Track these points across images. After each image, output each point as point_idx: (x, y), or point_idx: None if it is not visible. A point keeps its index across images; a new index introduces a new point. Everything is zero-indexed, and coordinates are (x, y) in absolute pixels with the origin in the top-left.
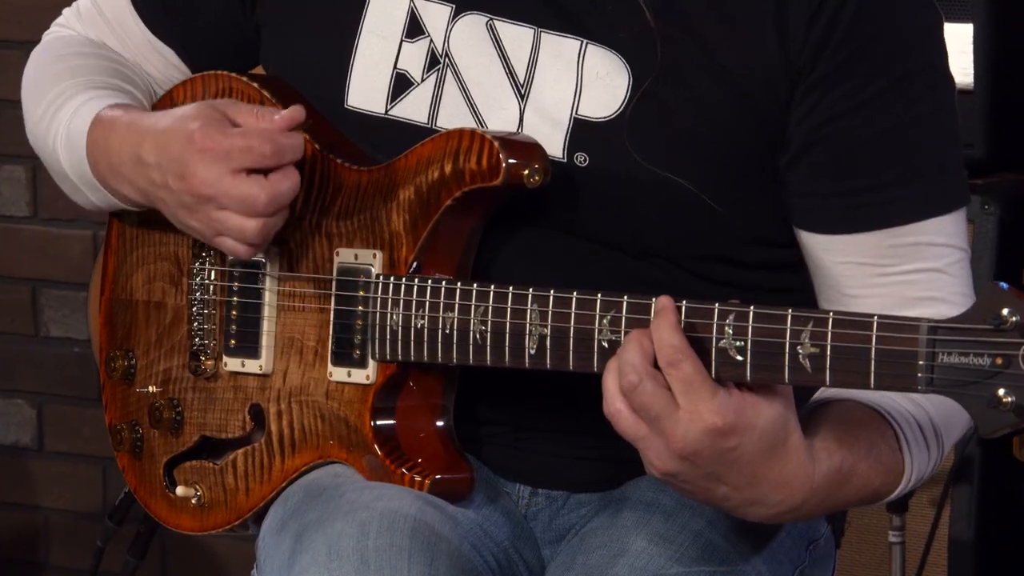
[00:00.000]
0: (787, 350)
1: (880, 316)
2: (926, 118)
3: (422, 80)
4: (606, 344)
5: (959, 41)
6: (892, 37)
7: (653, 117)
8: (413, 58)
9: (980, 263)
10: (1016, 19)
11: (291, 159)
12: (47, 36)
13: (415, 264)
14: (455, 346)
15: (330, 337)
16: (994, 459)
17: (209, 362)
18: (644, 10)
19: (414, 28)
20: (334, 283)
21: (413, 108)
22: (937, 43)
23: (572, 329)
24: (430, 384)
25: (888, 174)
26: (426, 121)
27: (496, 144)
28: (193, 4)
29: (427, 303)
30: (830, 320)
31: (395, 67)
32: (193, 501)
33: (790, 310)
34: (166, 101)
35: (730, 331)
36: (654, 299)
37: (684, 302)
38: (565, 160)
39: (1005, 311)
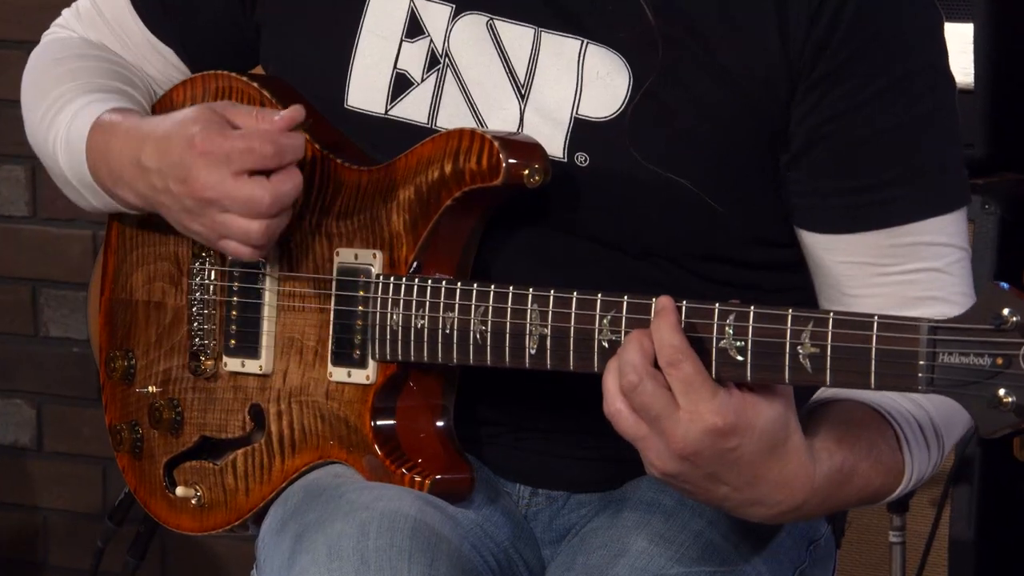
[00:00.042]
0: (787, 350)
1: (880, 316)
2: (926, 118)
3: (422, 80)
4: (606, 344)
5: (959, 41)
6: (893, 37)
7: (653, 117)
8: (413, 58)
9: (980, 263)
10: (1016, 19)
11: (292, 159)
12: (46, 37)
13: (415, 264)
14: (455, 346)
15: (330, 337)
16: (994, 459)
17: (209, 362)
18: (645, 10)
19: (414, 28)
20: (334, 283)
21: (413, 108)
22: (937, 43)
23: (572, 329)
24: (430, 384)
25: (889, 174)
26: (426, 121)
27: (496, 144)
28: (192, 4)
29: (427, 303)
30: (830, 320)
31: (395, 67)
32: (193, 501)
33: (790, 310)
34: (166, 101)
35: (730, 331)
36: (654, 299)
37: (684, 302)
38: (565, 160)
39: (1005, 311)
